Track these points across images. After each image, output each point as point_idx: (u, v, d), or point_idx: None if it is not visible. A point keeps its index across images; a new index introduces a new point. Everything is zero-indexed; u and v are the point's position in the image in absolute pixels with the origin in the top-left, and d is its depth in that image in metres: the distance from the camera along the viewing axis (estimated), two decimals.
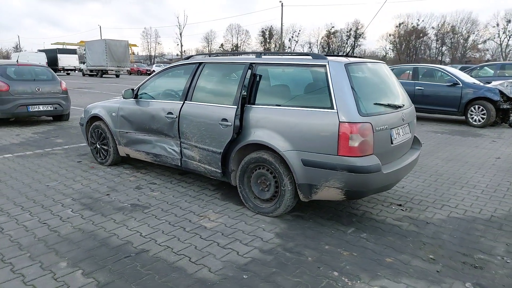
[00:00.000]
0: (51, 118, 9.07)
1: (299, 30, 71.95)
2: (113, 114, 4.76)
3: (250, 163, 3.47)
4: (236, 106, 3.46)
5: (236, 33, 76.58)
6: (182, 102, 4.00)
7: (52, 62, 38.54)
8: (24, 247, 2.81)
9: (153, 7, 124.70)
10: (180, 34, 71.71)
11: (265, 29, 72.16)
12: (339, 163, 2.97)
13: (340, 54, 3.90)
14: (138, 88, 4.59)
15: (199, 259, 2.69)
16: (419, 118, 10.32)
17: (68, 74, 40.26)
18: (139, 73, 44.35)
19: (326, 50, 68.65)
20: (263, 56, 3.71)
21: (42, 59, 37.55)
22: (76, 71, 40.81)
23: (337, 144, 2.96)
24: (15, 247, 2.81)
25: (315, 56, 3.34)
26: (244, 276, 2.48)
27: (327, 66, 3.16)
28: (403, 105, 3.45)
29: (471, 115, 9.17)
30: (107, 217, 3.39)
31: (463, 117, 9.42)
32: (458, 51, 57.71)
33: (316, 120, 3.08)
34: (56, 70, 39.11)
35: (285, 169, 3.24)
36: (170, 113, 4.06)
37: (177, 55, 73.88)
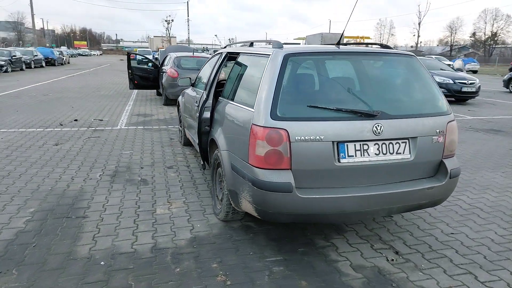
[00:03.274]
0: None
1: None
2: (182, 99, 5.32)
3: (215, 159, 3.28)
4: (205, 98, 3.32)
5: (492, 19, 64.17)
6: (203, 91, 4.09)
7: None
8: (35, 192, 3.70)
9: None
10: (419, 24, 65.25)
11: None
12: (246, 173, 2.47)
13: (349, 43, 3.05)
14: (196, 77, 4.94)
15: (101, 236, 2.86)
16: None
17: None
18: None
19: None
20: (255, 45, 3.36)
21: None
22: None
23: (248, 149, 2.46)
24: (30, 191, 3.72)
25: (274, 45, 2.78)
26: (102, 263, 2.50)
27: (270, 57, 2.60)
28: (379, 112, 2.40)
29: None
30: (111, 184, 3.96)
31: None
32: None
33: (241, 119, 2.63)
34: None
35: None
36: (197, 101, 4.23)
37: (412, 46, 67.98)
